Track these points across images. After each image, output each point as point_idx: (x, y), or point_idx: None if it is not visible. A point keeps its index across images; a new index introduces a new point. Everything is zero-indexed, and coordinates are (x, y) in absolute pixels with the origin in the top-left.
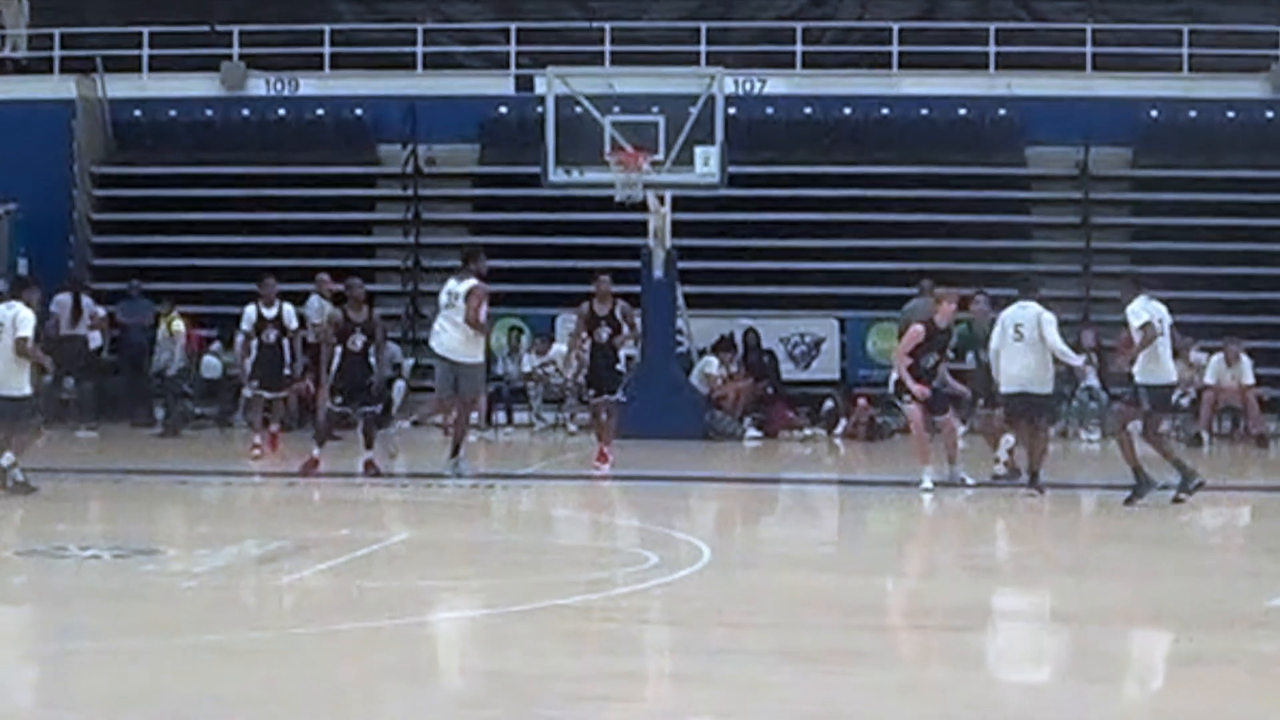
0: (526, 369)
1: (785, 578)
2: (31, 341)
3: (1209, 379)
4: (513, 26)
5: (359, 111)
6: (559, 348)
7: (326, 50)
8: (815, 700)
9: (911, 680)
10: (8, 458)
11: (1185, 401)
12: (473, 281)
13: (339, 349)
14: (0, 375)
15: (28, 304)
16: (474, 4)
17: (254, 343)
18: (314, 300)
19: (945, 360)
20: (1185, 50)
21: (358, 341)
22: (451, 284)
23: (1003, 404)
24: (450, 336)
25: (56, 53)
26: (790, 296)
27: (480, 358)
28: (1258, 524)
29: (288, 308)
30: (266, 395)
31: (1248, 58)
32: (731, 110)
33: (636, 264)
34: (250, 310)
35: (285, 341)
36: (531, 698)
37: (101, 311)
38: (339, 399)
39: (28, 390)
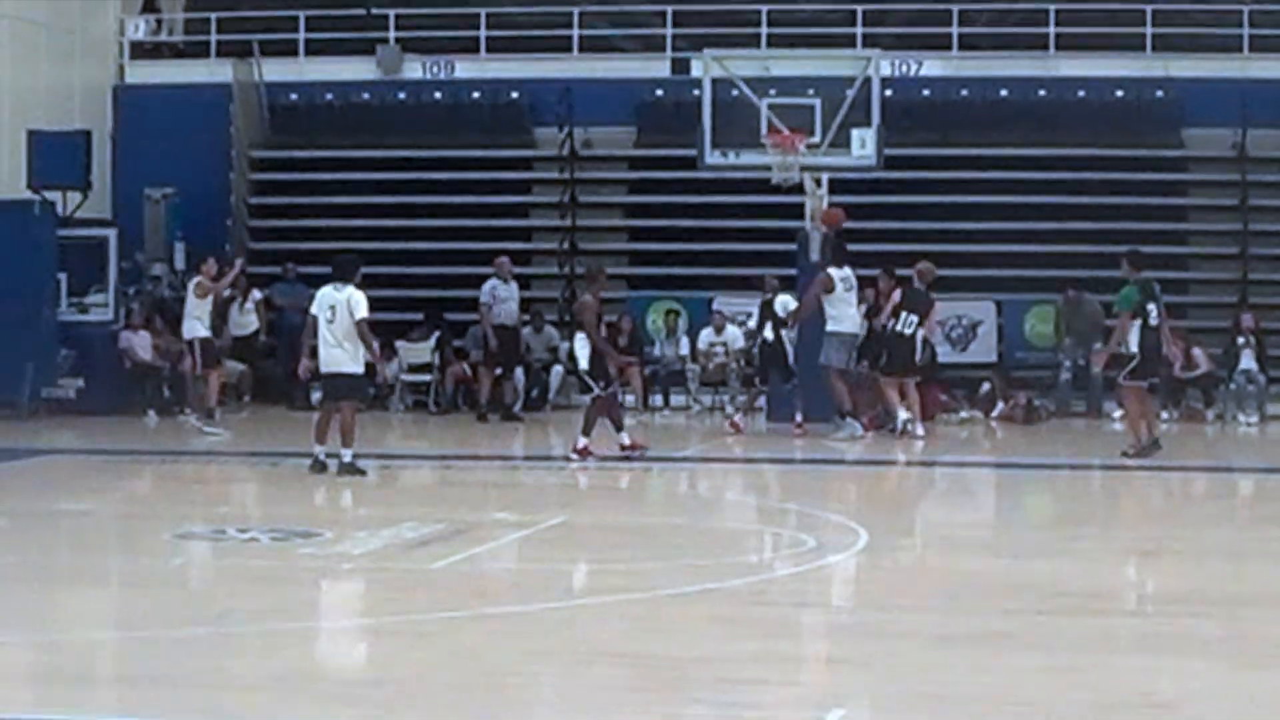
0: (703, 347)
1: (941, 561)
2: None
3: None
4: (669, 9)
5: (515, 94)
6: (733, 329)
7: (482, 33)
8: (970, 683)
9: (1067, 664)
10: (346, 454)
11: None
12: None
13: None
14: (337, 355)
15: (357, 285)
16: None
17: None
18: (493, 283)
19: None
20: None
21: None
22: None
23: None
24: None
25: (213, 37)
26: (947, 279)
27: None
28: None
29: None
30: None
31: None
32: (888, 92)
33: (793, 246)
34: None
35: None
36: (687, 681)
37: (258, 295)
38: (602, 383)
39: (360, 369)
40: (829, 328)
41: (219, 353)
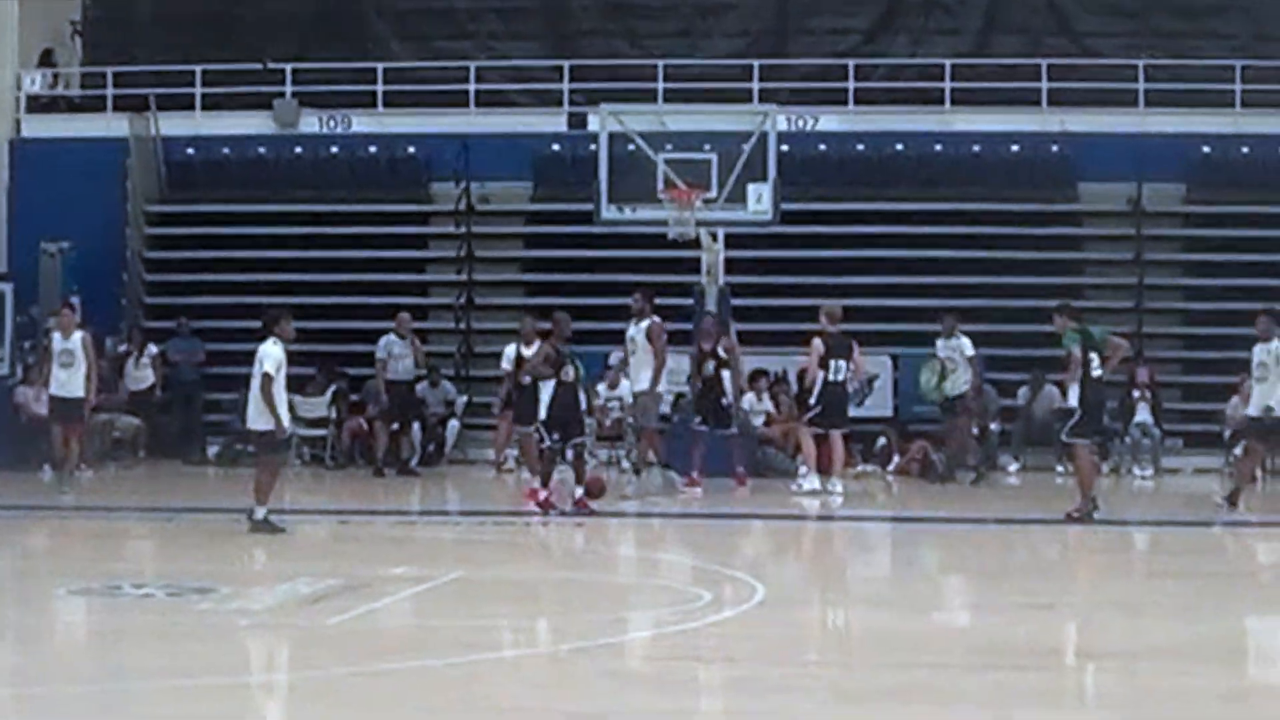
0: (598, 402)
1: (838, 616)
2: (274, 380)
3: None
4: (565, 64)
5: (412, 149)
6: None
7: (379, 88)
8: None
9: (965, 719)
10: (260, 511)
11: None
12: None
13: (553, 382)
14: (251, 411)
15: (280, 336)
16: (527, 41)
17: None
18: (389, 339)
19: None
20: (1238, 86)
21: (569, 372)
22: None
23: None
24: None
25: (110, 91)
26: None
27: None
28: None
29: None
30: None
31: None
32: (784, 147)
33: (689, 301)
34: (511, 349)
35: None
36: None
37: (154, 349)
38: (555, 435)
39: (270, 425)
40: (662, 387)
41: (65, 411)
